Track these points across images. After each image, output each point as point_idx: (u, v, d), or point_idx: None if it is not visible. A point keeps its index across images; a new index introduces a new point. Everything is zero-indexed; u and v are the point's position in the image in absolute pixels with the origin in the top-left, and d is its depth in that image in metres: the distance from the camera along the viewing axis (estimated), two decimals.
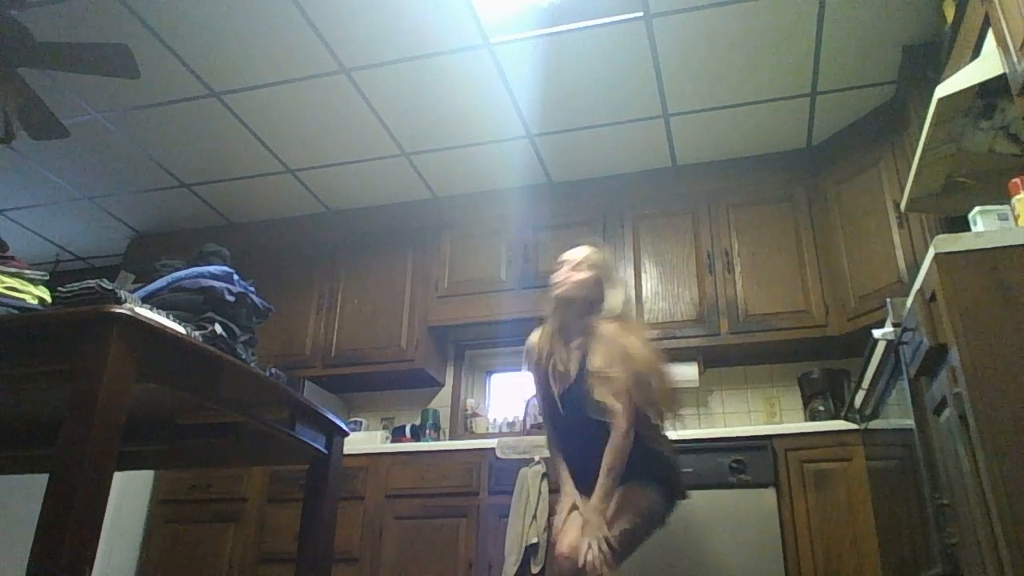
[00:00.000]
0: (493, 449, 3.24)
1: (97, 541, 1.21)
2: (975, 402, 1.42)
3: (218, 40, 3.13)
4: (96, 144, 3.83)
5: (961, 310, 1.49)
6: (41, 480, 1.22)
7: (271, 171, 4.07)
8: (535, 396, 2.40)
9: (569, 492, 2.25)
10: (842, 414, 2.94)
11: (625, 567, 2.23)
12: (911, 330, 1.80)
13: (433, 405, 4.07)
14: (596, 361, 2.13)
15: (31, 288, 1.60)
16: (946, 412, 1.63)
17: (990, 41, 2.08)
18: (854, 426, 2.84)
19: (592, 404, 2.12)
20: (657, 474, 2.24)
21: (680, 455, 2.93)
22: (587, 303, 2.24)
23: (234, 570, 3.38)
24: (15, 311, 1.49)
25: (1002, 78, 1.98)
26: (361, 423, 4.06)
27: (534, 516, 2.97)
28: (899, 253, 3.18)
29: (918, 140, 2.39)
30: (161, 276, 1.70)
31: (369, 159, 3.95)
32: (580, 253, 2.32)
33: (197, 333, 1.57)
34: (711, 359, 3.69)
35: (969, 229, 1.85)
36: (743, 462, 2.91)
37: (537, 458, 3.11)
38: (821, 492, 2.84)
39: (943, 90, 2.11)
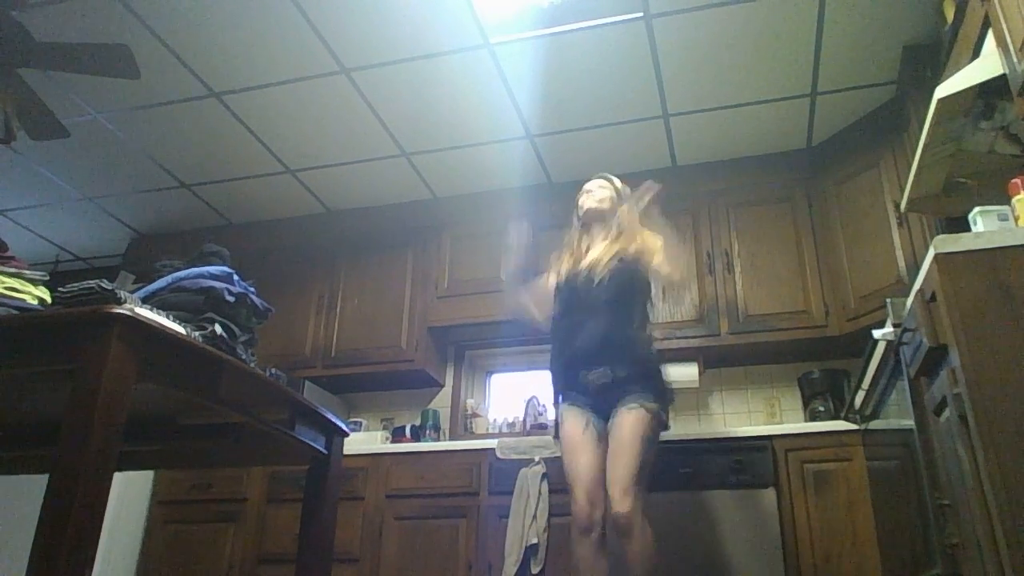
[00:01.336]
0: (493, 449, 3.24)
1: (97, 541, 1.21)
2: (975, 402, 1.42)
3: (218, 40, 3.14)
4: (96, 144, 3.83)
5: (961, 310, 1.49)
6: (41, 480, 1.22)
7: (271, 171, 4.07)
8: (557, 289, 2.70)
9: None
10: (842, 414, 2.94)
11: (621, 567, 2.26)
12: (911, 330, 1.80)
13: (433, 405, 4.06)
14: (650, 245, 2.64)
15: (31, 288, 1.60)
16: (946, 412, 1.63)
17: (990, 41, 2.08)
18: (854, 426, 2.84)
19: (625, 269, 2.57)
20: (656, 385, 2.45)
21: (680, 455, 2.95)
22: (607, 214, 2.74)
23: (234, 570, 3.38)
24: (15, 311, 1.49)
25: (1002, 78, 1.98)
26: (361, 423, 4.06)
27: (534, 516, 2.97)
28: (899, 253, 3.18)
29: (918, 140, 2.39)
30: (161, 276, 1.69)
31: (369, 159, 3.95)
32: (596, 182, 2.83)
33: (197, 333, 1.57)
34: (711, 359, 3.69)
35: (969, 229, 1.85)
36: (743, 462, 2.91)
37: (537, 458, 3.11)
38: (821, 492, 2.84)
39: (943, 90, 2.11)
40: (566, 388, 2.54)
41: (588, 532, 2.30)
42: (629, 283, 2.56)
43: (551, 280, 2.75)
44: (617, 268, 2.56)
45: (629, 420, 2.34)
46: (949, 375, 1.53)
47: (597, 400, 2.44)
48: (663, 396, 2.46)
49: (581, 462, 2.38)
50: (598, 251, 2.63)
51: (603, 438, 2.40)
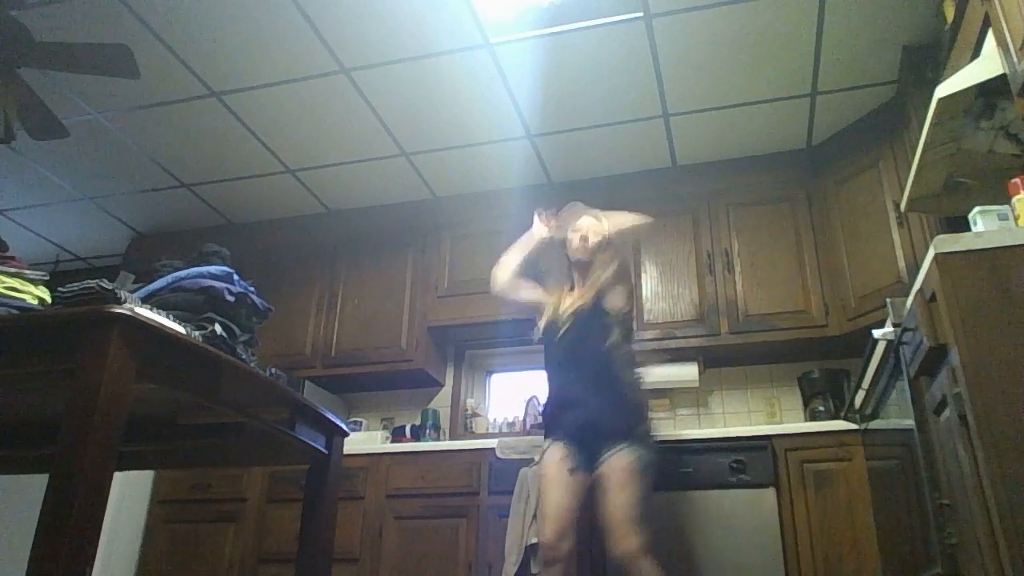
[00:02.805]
0: (493, 449, 3.24)
1: (97, 541, 1.21)
2: (975, 402, 1.42)
3: (218, 40, 3.13)
4: (96, 144, 3.83)
5: (961, 310, 1.49)
6: (41, 480, 1.22)
7: (271, 171, 4.07)
8: (542, 331, 2.70)
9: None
10: (842, 414, 2.94)
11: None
12: (911, 330, 1.80)
13: (433, 405, 4.07)
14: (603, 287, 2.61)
15: (31, 288, 1.60)
16: (946, 412, 1.63)
17: (990, 41, 2.08)
18: (854, 426, 2.84)
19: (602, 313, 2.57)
20: (641, 433, 2.44)
21: (680, 455, 2.95)
22: (594, 259, 2.70)
23: (234, 570, 3.38)
24: (15, 311, 1.49)
25: (1002, 78, 1.98)
26: (361, 423, 4.06)
27: (534, 516, 2.96)
28: (899, 253, 3.18)
29: (918, 140, 2.39)
30: (161, 276, 1.69)
31: (369, 159, 3.95)
32: (590, 225, 2.72)
33: (197, 333, 1.56)
34: (711, 359, 3.69)
35: (969, 229, 1.85)
36: (743, 462, 2.91)
37: (537, 458, 3.11)
38: (821, 492, 2.84)
39: (943, 90, 2.11)
40: (553, 426, 2.58)
41: (552, 564, 2.35)
42: (597, 327, 2.55)
43: (542, 315, 2.72)
44: (581, 313, 2.58)
45: (621, 463, 2.35)
46: (949, 375, 1.53)
47: (580, 441, 2.45)
48: (649, 444, 2.44)
49: (553, 497, 2.41)
50: (573, 297, 2.65)
51: (580, 478, 2.41)
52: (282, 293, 4.07)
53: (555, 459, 2.47)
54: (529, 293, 2.81)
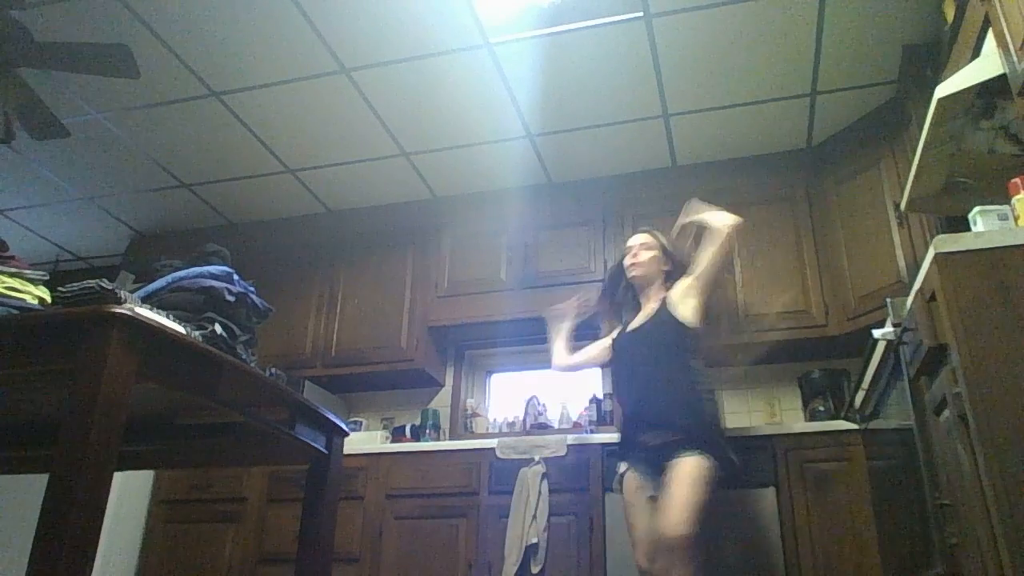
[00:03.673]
0: (493, 449, 3.24)
1: (97, 541, 1.21)
2: (975, 402, 1.42)
3: (218, 40, 3.14)
4: (96, 144, 3.84)
5: (961, 310, 1.49)
6: (41, 480, 1.22)
7: (271, 171, 4.07)
8: (613, 343, 2.79)
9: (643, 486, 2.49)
10: (842, 414, 2.94)
11: (621, 566, 2.25)
12: (911, 330, 1.80)
13: (433, 405, 4.06)
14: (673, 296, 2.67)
15: (31, 288, 1.59)
16: (946, 412, 1.63)
17: (990, 41, 2.09)
18: (854, 426, 2.84)
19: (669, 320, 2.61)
20: (711, 443, 2.38)
21: None
22: (656, 275, 2.75)
23: (234, 570, 3.38)
24: (15, 311, 1.49)
25: (1002, 78, 1.98)
26: (361, 423, 4.06)
27: (534, 516, 2.97)
28: (899, 253, 3.18)
29: (918, 140, 2.39)
30: (161, 276, 1.69)
31: (369, 159, 3.95)
32: (638, 240, 2.83)
33: (197, 333, 1.56)
34: (711, 359, 3.68)
35: (969, 229, 1.85)
36: (743, 462, 2.90)
37: (537, 458, 3.11)
38: (821, 492, 2.84)
39: (943, 90, 2.11)
40: (626, 449, 2.60)
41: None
42: (661, 339, 2.59)
43: (607, 336, 2.87)
44: (652, 325, 2.63)
45: (684, 468, 2.32)
46: (949, 375, 1.53)
47: (652, 458, 2.45)
48: (721, 450, 2.40)
49: (639, 524, 2.46)
50: (646, 309, 2.71)
51: (658, 502, 2.39)
52: (282, 293, 4.07)
53: (632, 488, 2.51)
54: (583, 356, 2.94)
